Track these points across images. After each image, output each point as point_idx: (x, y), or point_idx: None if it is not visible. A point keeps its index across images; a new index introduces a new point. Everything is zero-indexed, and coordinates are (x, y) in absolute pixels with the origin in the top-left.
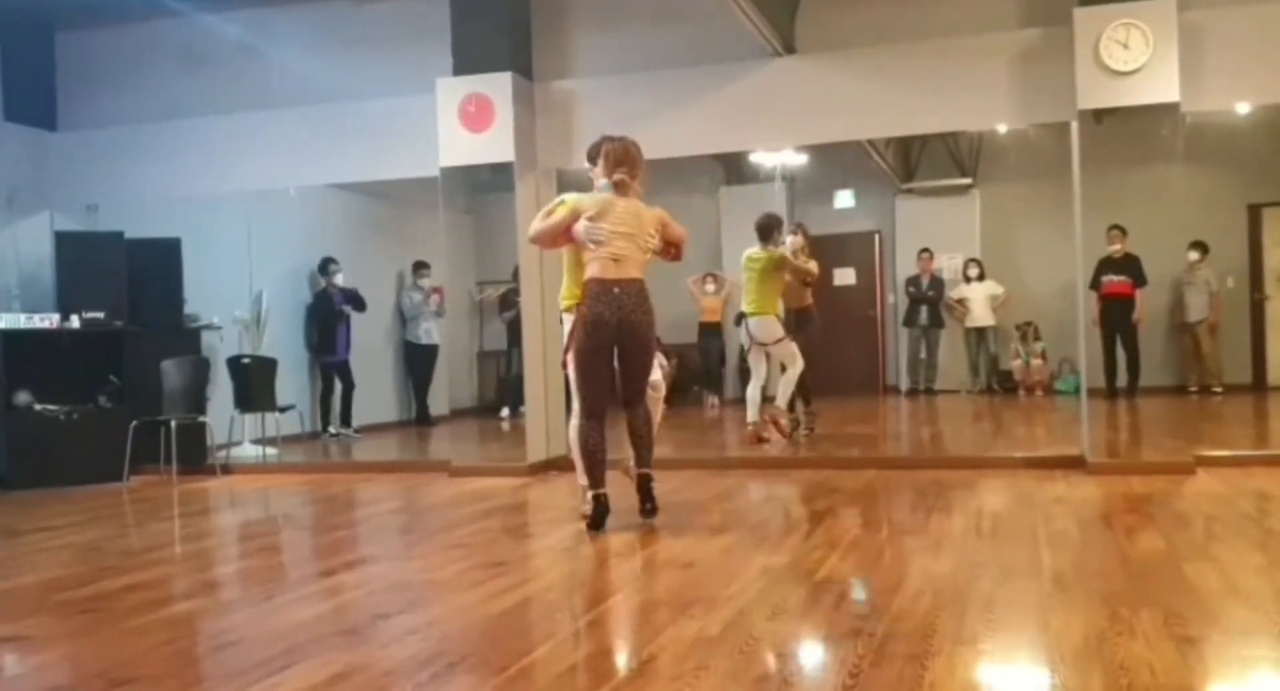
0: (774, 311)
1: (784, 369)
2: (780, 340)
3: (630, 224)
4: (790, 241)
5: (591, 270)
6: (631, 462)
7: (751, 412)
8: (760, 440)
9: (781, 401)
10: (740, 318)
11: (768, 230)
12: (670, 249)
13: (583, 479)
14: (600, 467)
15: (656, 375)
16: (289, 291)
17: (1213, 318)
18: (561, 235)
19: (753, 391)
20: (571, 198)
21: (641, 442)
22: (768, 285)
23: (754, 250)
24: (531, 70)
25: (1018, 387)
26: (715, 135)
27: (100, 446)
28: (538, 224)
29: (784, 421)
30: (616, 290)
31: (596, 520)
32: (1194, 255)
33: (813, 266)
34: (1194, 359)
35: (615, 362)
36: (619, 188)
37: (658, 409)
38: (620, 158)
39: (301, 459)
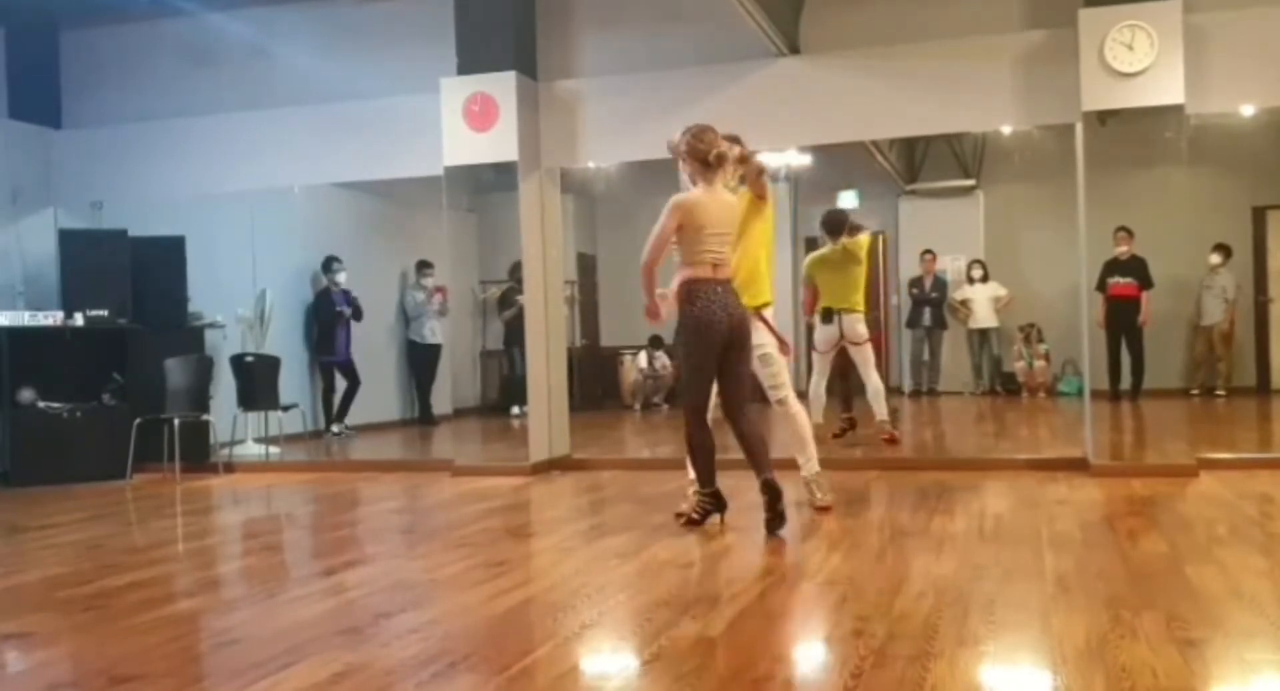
0: (863, 309)
1: (852, 373)
2: (868, 340)
3: (726, 221)
4: (863, 238)
5: (685, 272)
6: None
7: (817, 414)
8: (841, 434)
9: (882, 411)
10: (828, 314)
11: (839, 225)
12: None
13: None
14: (709, 461)
15: (782, 392)
16: (292, 290)
17: (1225, 325)
18: (669, 238)
19: (821, 389)
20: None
21: (760, 448)
22: (854, 280)
23: (824, 250)
24: (536, 70)
25: (1021, 389)
26: None
27: (103, 444)
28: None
29: (897, 433)
30: (720, 288)
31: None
32: (1216, 258)
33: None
34: (1206, 362)
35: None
36: (719, 168)
37: (798, 419)
38: (715, 137)
39: (304, 457)
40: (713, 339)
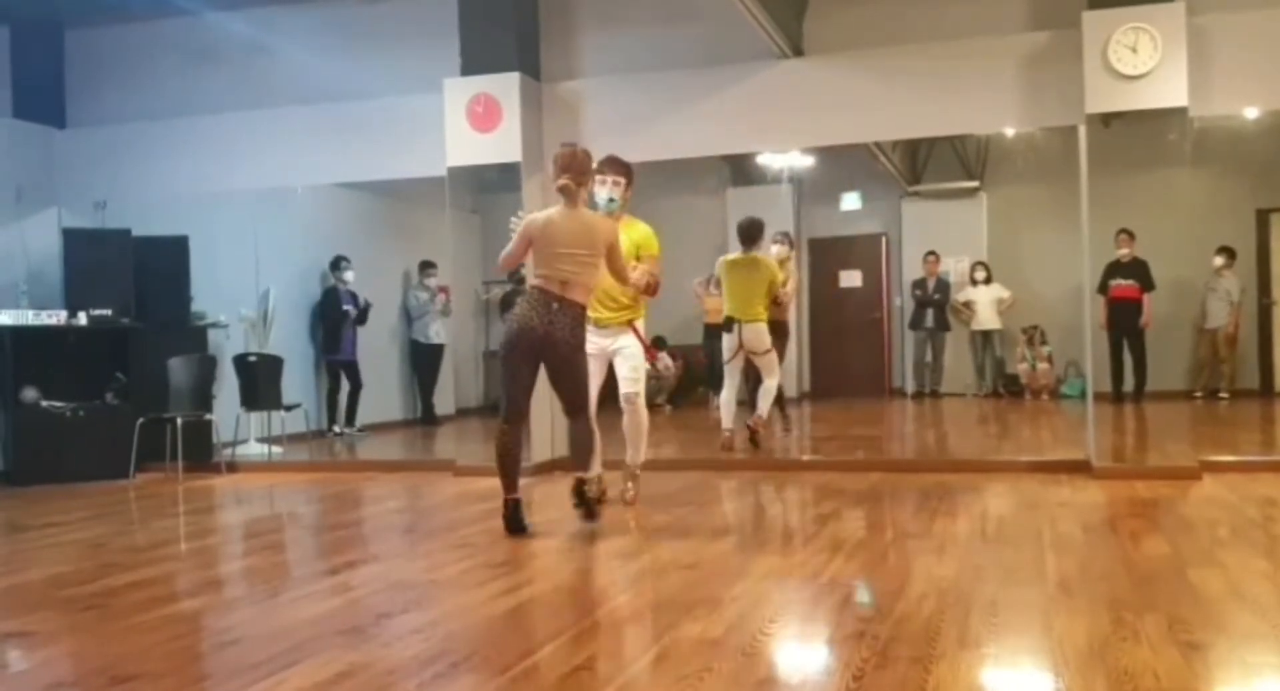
0: (764, 319)
1: (759, 379)
2: (768, 350)
3: (579, 241)
4: (776, 250)
5: (536, 281)
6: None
7: (727, 420)
8: (731, 447)
9: (763, 411)
10: (729, 323)
11: (752, 234)
12: (643, 287)
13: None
14: (512, 472)
15: (634, 388)
16: (296, 290)
17: (1229, 328)
18: (521, 255)
19: (730, 397)
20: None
21: (580, 450)
22: (757, 290)
23: (735, 255)
24: (539, 71)
25: (1023, 391)
26: (722, 136)
27: (106, 443)
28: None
29: (762, 431)
30: (556, 305)
31: (510, 524)
32: (1220, 261)
33: (791, 286)
34: (1210, 364)
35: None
36: (566, 196)
37: (639, 418)
38: (567, 163)
39: (306, 457)
40: (520, 345)
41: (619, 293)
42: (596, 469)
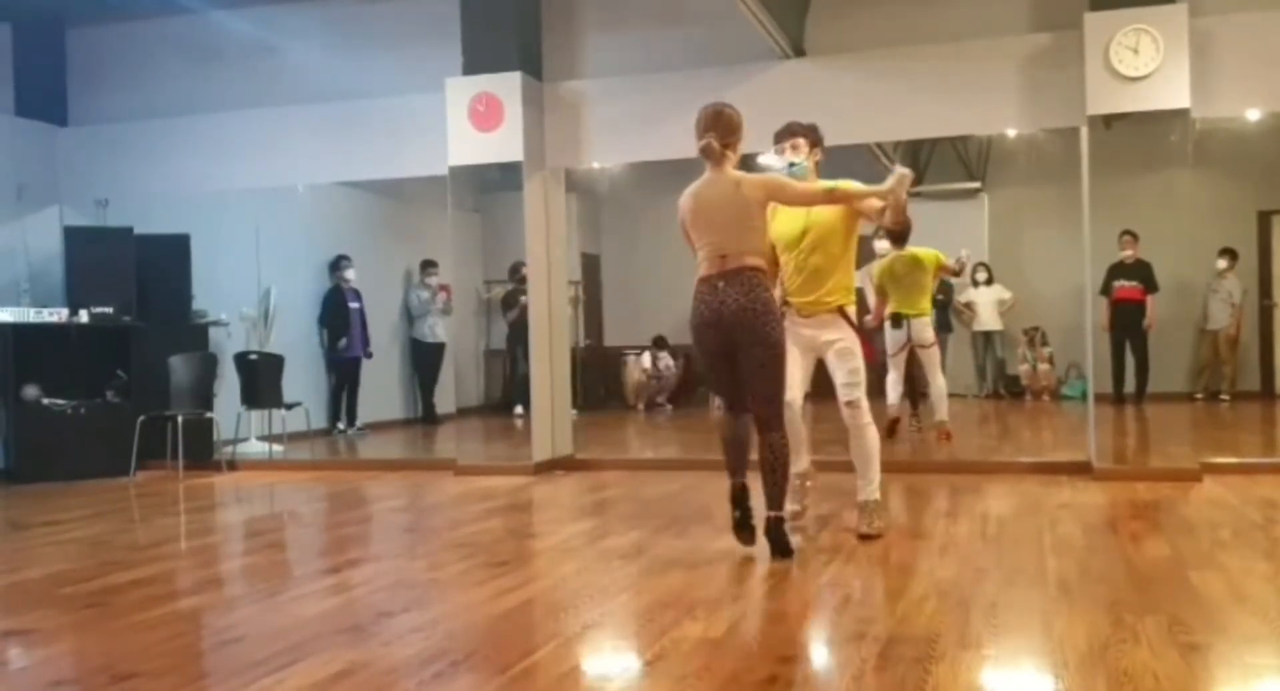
0: (930, 312)
1: (922, 375)
2: (934, 343)
3: (727, 204)
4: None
5: (699, 267)
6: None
7: (894, 408)
8: (895, 433)
9: (943, 412)
10: (897, 318)
11: (905, 233)
12: (870, 212)
13: None
14: (734, 459)
15: (856, 393)
16: (297, 288)
17: (1231, 330)
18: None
19: (898, 388)
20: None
21: (770, 479)
22: (921, 285)
23: (892, 254)
24: (541, 70)
25: (1024, 392)
26: None
27: (107, 441)
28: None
29: (951, 433)
30: (721, 283)
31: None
32: (1222, 263)
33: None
34: (1211, 366)
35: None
36: (708, 157)
37: (866, 434)
38: (710, 121)
39: (307, 456)
40: (701, 340)
41: (823, 274)
42: (803, 463)
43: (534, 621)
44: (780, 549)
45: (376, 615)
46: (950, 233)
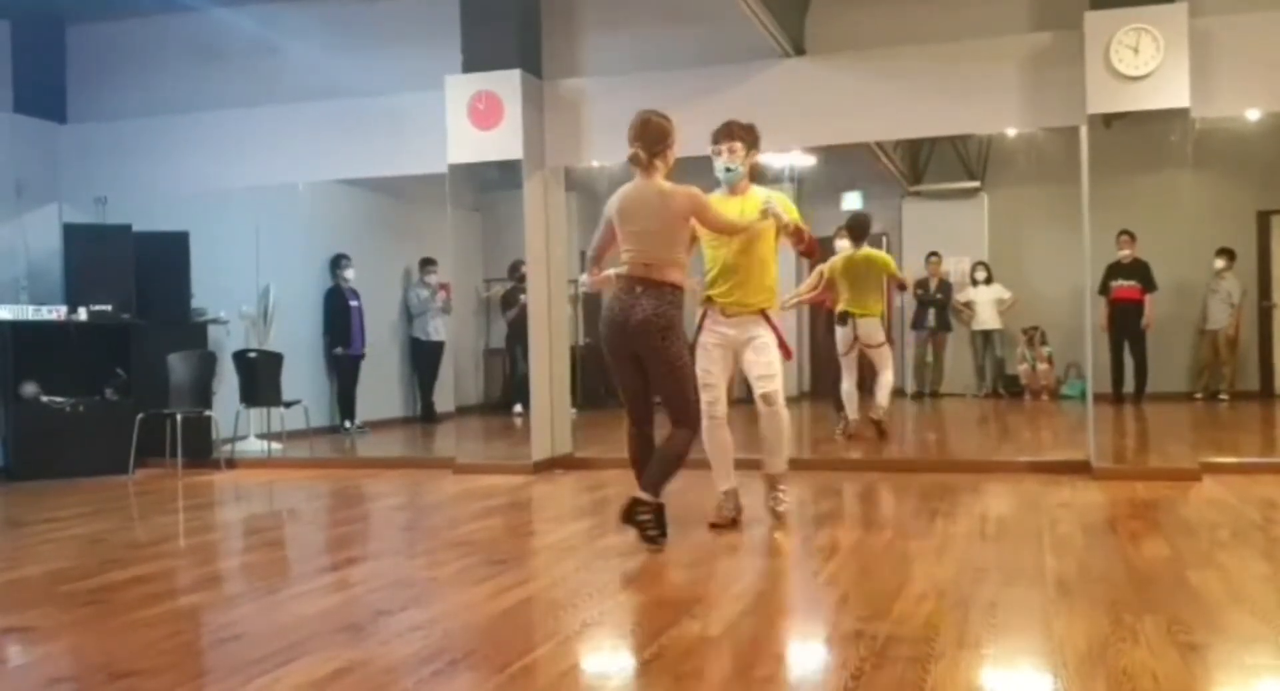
0: (880, 313)
1: (876, 372)
2: (882, 344)
3: (652, 214)
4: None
5: (620, 267)
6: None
7: (851, 411)
8: (854, 436)
9: (883, 402)
10: (844, 317)
11: (863, 230)
12: (795, 241)
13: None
14: (638, 470)
15: (771, 385)
16: (296, 286)
17: (1230, 330)
18: (609, 239)
19: (851, 389)
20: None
21: (658, 465)
22: (872, 286)
23: (849, 251)
24: (541, 68)
25: (1024, 392)
26: None
27: (106, 439)
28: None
29: (886, 422)
30: (639, 288)
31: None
32: (1220, 263)
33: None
34: (1210, 366)
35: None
36: (636, 166)
37: (778, 419)
38: (638, 130)
39: (306, 454)
40: (609, 340)
41: (749, 276)
42: (731, 482)
43: (533, 620)
44: (646, 537)
45: (375, 613)
46: (950, 232)
